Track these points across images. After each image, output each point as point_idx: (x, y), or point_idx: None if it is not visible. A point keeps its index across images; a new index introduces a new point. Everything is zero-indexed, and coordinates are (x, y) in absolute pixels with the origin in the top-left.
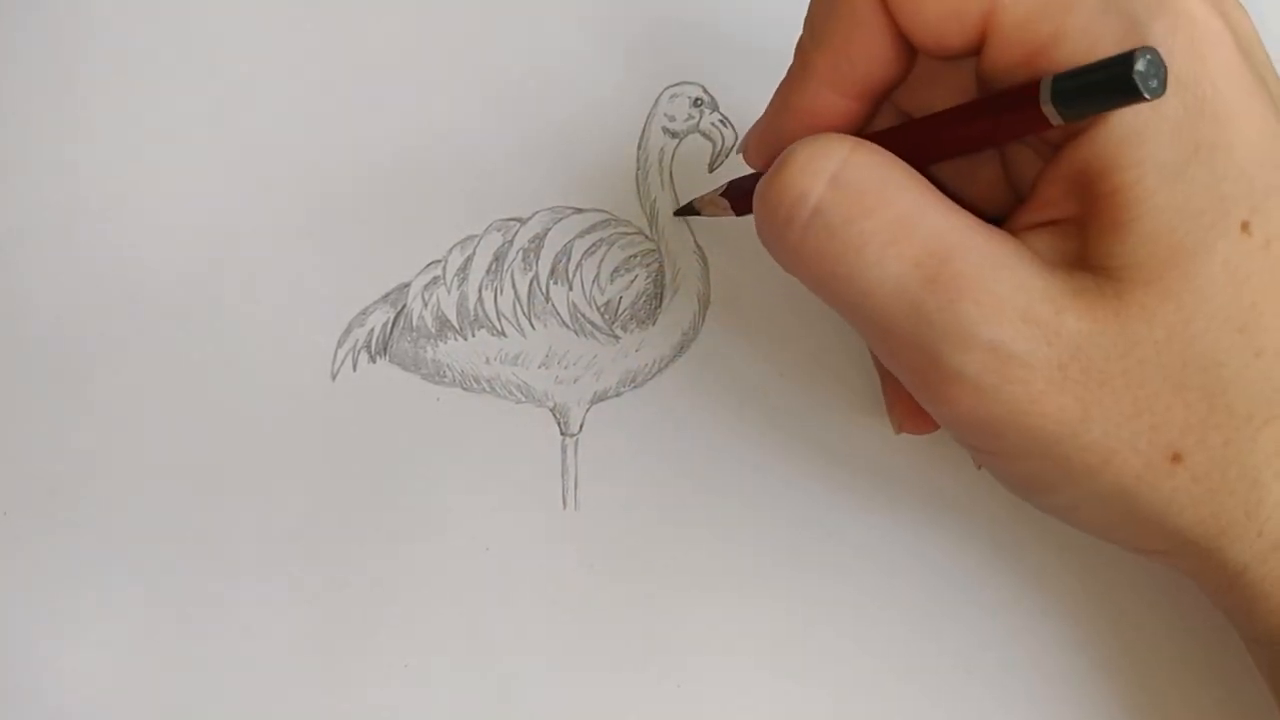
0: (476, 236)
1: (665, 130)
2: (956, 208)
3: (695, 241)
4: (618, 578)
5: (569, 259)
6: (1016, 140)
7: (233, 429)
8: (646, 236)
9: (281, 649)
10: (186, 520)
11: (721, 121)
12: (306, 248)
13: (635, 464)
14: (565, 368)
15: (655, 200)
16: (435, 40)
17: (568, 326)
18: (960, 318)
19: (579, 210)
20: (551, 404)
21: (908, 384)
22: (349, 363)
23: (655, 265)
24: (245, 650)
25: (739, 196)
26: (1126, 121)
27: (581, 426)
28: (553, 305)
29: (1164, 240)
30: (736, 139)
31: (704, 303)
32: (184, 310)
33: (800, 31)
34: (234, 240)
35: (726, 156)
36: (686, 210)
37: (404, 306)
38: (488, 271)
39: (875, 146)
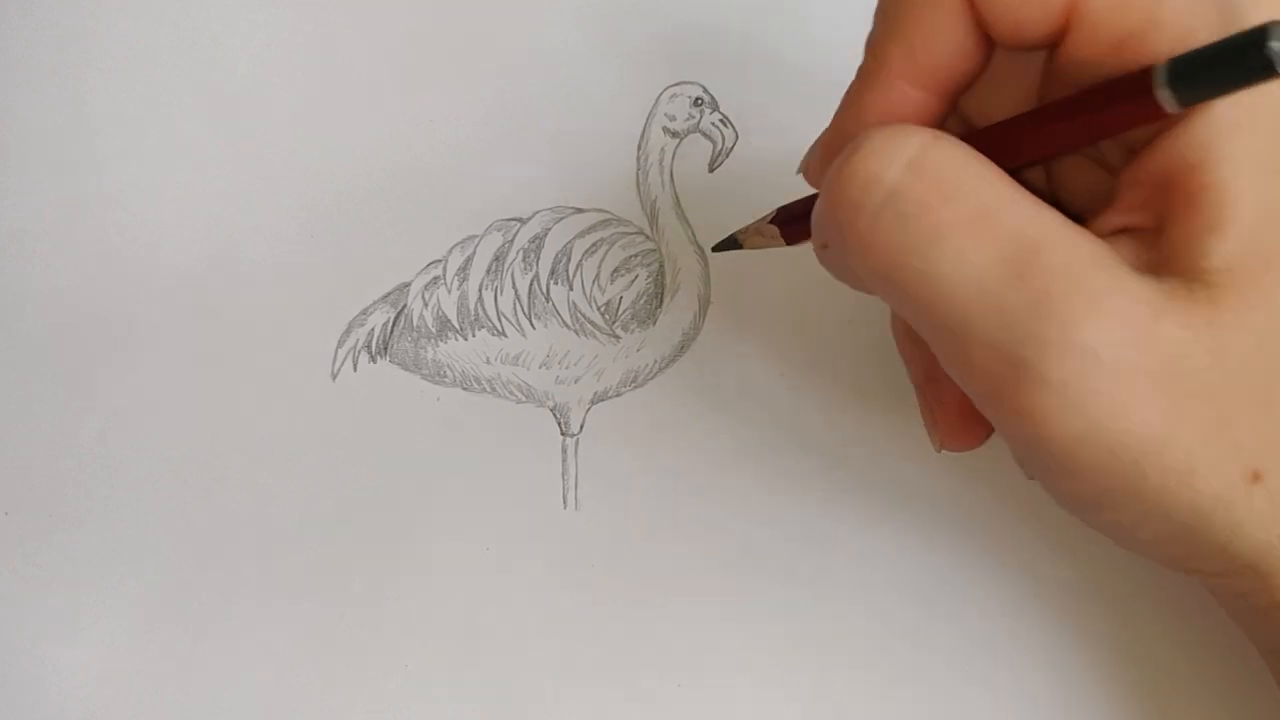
0: (477, 236)
1: (665, 130)
2: (1043, 203)
3: (695, 241)
4: (618, 577)
5: (569, 259)
6: (1110, 138)
7: (233, 429)
8: (647, 236)
9: (281, 649)
10: (186, 520)
11: (722, 121)
12: (306, 248)
13: (635, 464)
14: (566, 368)
15: (655, 200)
16: (436, 40)
17: (568, 326)
18: (1052, 318)
19: (579, 210)
20: (552, 404)
21: (977, 394)
22: (349, 363)
23: (655, 265)
24: (245, 650)
25: (790, 221)
26: (1221, 115)
27: (582, 426)
28: (553, 305)
29: (1261, 240)
30: (737, 139)
31: (704, 303)
32: (184, 310)
33: (810, 38)
34: (234, 240)
35: (726, 156)
36: (728, 244)
37: (404, 306)
38: (488, 271)
39: (955, 139)
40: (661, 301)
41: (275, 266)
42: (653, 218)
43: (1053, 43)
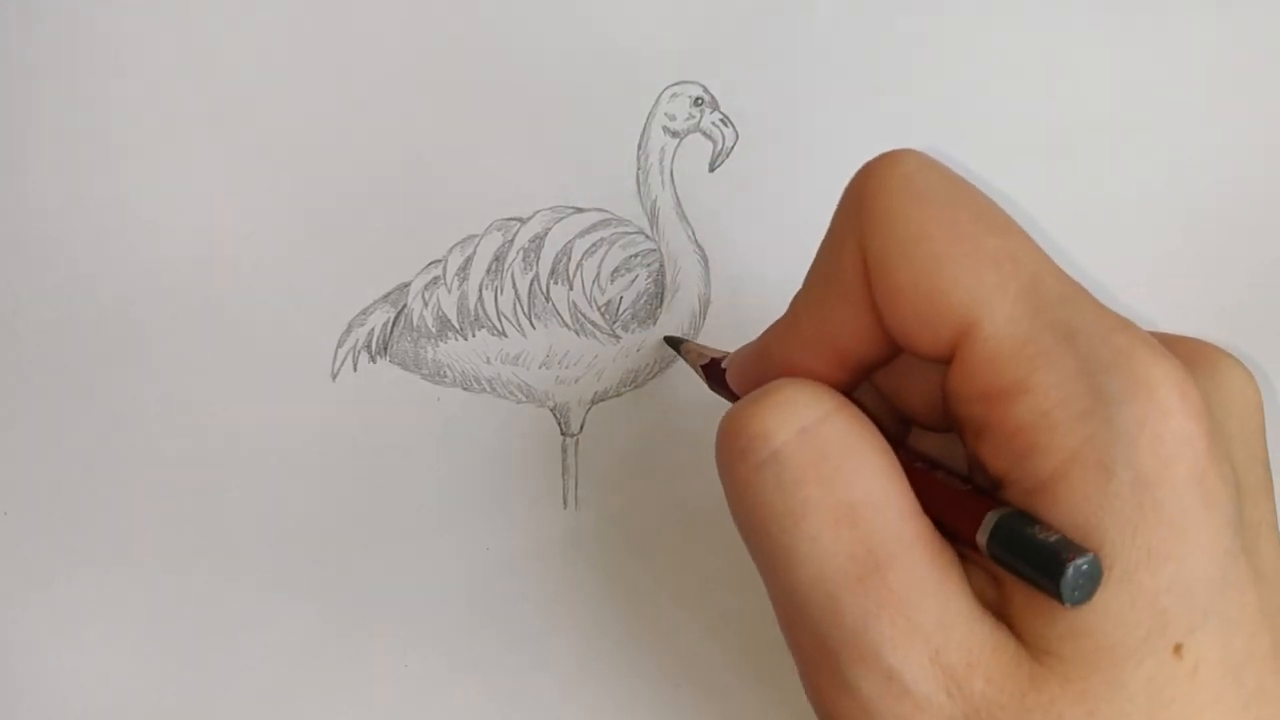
0: (477, 236)
1: (666, 130)
2: (916, 509)
3: (695, 241)
4: (618, 577)
5: (569, 259)
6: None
7: (233, 429)
8: (647, 236)
9: (281, 649)
10: (186, 520)
11: (722, 121)
12: (307, 248)
13: (635, 464)
14: (566, 368)
15: (656, 200)
16: (435, 40)
17: (568, 326)
18: (870, 632)
19: (579, 210)
20: (552, 404)
21: (799, 668)
22: (349, 363)
23: (656, 265)
24: (245, 650)
25: (714, 377)
26: (1077, 524)
27: (582, 426)
28: (553, 305)
29: (1096, 641)
30: (737, 139)
31: (704, 303)
32: (184, 310)
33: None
34: (234, 240)
35: (727, 156)
36: (674, 343)
37: (404, 306)
38: (488, 271)
39: (860, 413)
40: (662, 301)
41: (275, 266)
42: (653, 218)
43: (944, 361)
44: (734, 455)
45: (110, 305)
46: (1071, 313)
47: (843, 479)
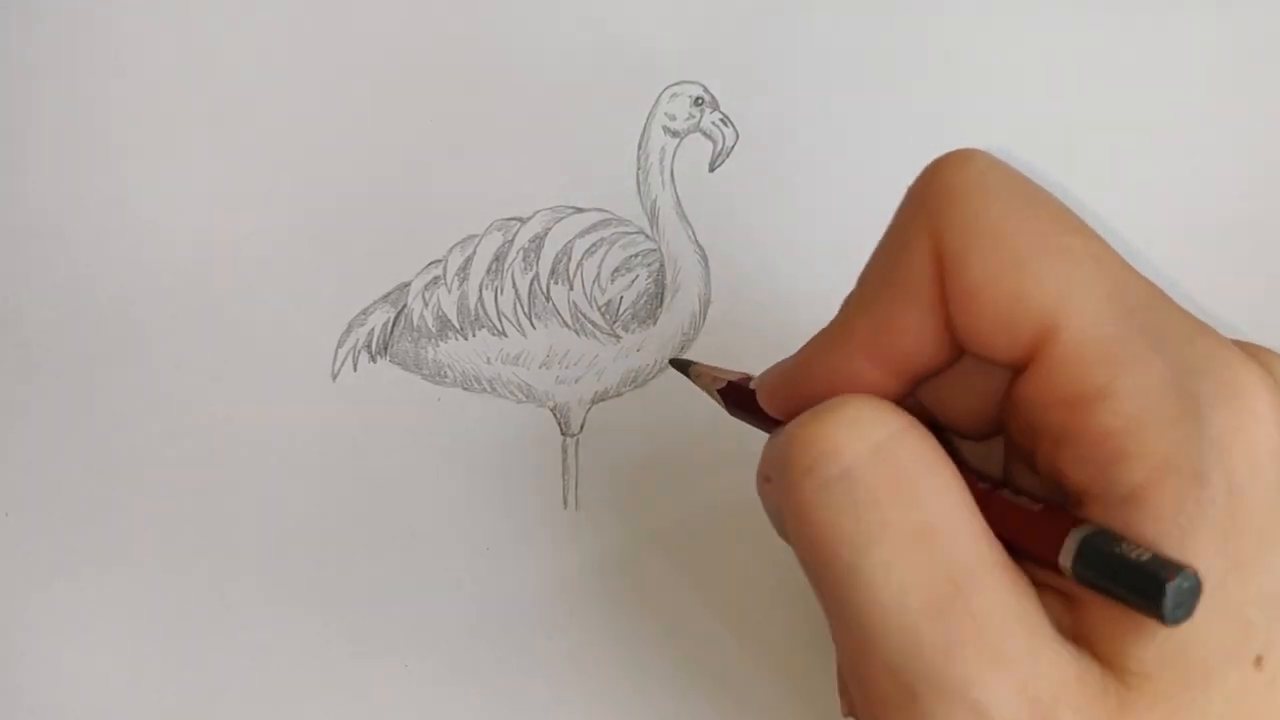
0: (477, 236)
1: (666, 130)
2: (987, 532)
3: (695, 241)
4: (618, 578)
5: (570, 258)
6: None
7: (233, 429)
8: (647, 236)
9: (281, 649)
10: (187, 520)
11: (722, 121)
12: (307, 248)
13: (636, 464)
14: (566, 367)
15: (656, 200)
16: (435, 40)
17: (568, 326)
18: (955, 664)
19: (579, 210)
20: (552, 404)
21: (862, 705)
22: (349, 363)
23: (656, 265)
24: (244, 650)
25: (734, 404)
26: (1170, 533)
27: (582, 426)
28: (553, 305)
29: (1186, 658)
30: (737, 139)
31: (704, 303)
32: (184, 310)
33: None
34: (234, 240)
35: (727, 156)
36: (681, 365)
37: (404, 306)
38: (488, 271)
39: (925, 433)
40: (662, 301)
41: (275, 266)
42: (653, 217)
43: (1017, 368)
44: (798, 474)
45: (110, 305)
46: (1158, 315)
47: (917, 499)
